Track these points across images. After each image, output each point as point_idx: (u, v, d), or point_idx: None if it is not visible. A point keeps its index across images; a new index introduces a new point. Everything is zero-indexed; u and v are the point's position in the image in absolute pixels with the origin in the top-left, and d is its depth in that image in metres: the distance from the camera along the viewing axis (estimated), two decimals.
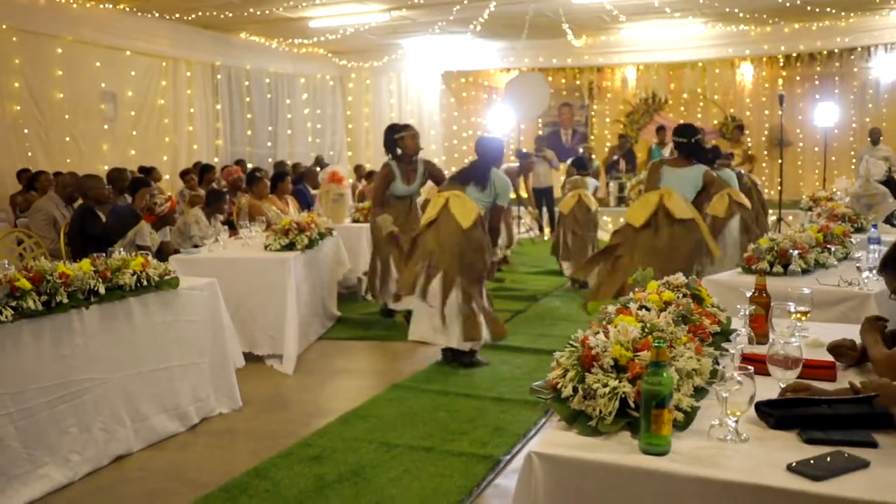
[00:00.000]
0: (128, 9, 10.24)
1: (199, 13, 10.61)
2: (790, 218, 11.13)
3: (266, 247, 6.01)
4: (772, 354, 2.33)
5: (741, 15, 10.91)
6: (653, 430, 1.91)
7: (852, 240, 5.40)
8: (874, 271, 4.32)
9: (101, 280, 3.89)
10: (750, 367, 2.06)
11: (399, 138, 6.81)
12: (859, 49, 13.84)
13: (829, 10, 10.67)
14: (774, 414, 2.11)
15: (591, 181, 9.17)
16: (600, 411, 2.06)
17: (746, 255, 4.71)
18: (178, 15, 10.72)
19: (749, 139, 15.71)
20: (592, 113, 17.19)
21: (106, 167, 8.44)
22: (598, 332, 2.28)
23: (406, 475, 3.86)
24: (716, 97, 15.73)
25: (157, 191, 6.78)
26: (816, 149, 15.54)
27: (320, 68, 14.90)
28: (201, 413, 4.57)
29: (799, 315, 3.05)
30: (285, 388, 5.38)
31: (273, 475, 3.85)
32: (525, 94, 13.23)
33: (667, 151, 14.84)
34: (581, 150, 12.77)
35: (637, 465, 1.89)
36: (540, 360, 5.81)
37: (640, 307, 2.72)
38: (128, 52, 10.57)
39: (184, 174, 10.36)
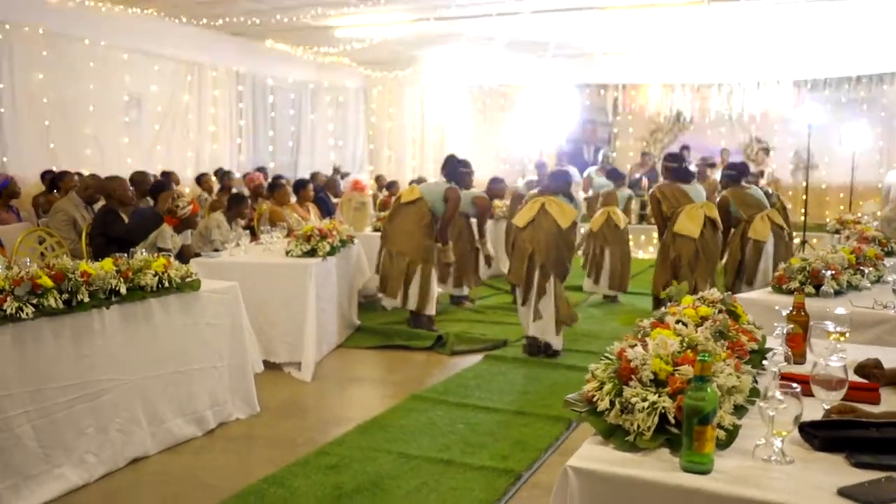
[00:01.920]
0: (156, 13, 10.28)
1: (227, 19, 10.63)
2: (814, 241, 10.97)
3: (287, 252, 5.97)
4: (815, 375, 2.24)
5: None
6: (695, 448, 1.83)
7: (885, 263, 5.31)
8: None
9: (122, 280, 3.85)
10: (796, 385, 1.97)
11: (467, 173, 7.19)
12: (888, 74, 13.70)
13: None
14: (819, 435, 2.02)
15: (624, 192, 9.12)
16: (638, 426, 1.98)
17: (777, 275, 4.62)
18: (205, 20, 10.76)
19: (773, 162, 15.60)
20: (615, 130, 17.13)
21: (129, 171, 8.42)
22: (635, 345, 2.20)
23: (424, 487, 3.78)
24: (743, 118, 15.62)
25: (178, 194, 6.75)
26: (842, 173, 15.40)
27: (344, 77, 14.91)
28: (219, 418, 4.51)
29: (838, 335, 2.95)
30: (303, 396, 5.31)
31: (290, 483, 3.78)
32: (554, 108, 13.15)
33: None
34: (601, 157, 12.71)
35: (678, 483, 1.81)
36: (562, 374, 5.73)
37: (677, 321, 2.64)
38: (154, 57, 10.61)
39: (199, 178, 10.32)
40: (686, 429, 1.85)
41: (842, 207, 14.33)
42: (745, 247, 6.87)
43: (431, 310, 6.99)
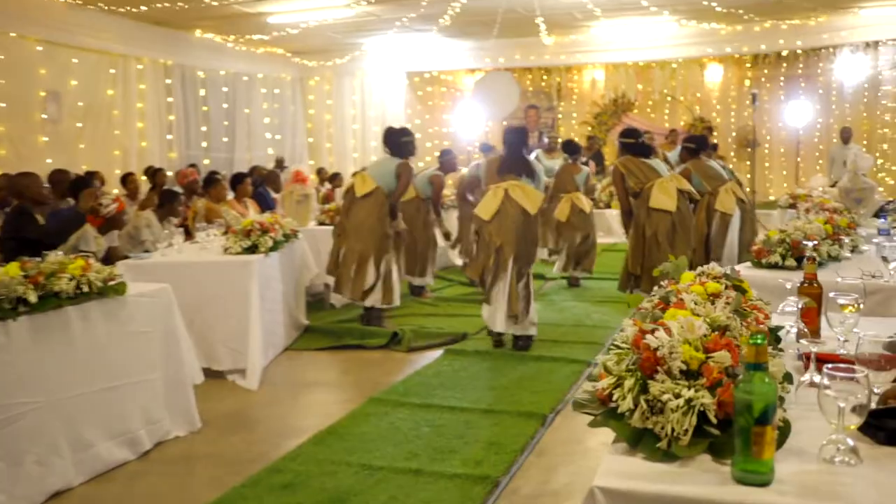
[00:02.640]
0: (72, 1, 9.59)
1: (150, 5, 9.98)
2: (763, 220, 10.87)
3: (226, 250, 5.46)
4: (859, 354, 1.89)
5: (718, 9, 10.61)
6: (753, 453, 1.45)
7: (859, 232, 5.10)
8: None
9: (31, 287, 3.33)
10: (862, 369, 1.61)
11: (409, 141, 6.70)
12: (825, 50, 13.72)
13: (806, 2, 10.41)
14: (888, 427, 1.66)
15: (584, 170, 8.65)
16: (672, 429, 1.59)
17: (756, 249, 4.32)
18: (127, 8, 10.09)
19: (716, 140, 15.54)
20: (559, 114, 16.88)
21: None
22: (653, 330, 1.81)
23: (393, 502, 3.36)
24: (681, 98, 15.53)
25: (101, 192, 6.18)
26: (783, 149, 15.43)
27: (279, 69, 14.33)
28: (154, 437, 4.01)
29: (853, 307, 2.63)
30: (250, 406, 4.83)
31: None
32: (495, 92, 12.83)
33: None
34: (547, 140, 12.31)
35: (738, 499, 1.43)
36: (529, 367, 5.36)
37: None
38: (73, 49, 9.90)
39: (124, 178, 9.51)
40: (739, 430, 1.47)
41: (785, 185, 14.36)
42: (711, 220, 6.63)
43: (396, 300, 6.60)
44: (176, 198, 7.00)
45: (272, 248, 5.54)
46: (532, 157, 5.88)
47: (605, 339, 6.09)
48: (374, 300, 6.48)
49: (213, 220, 7.22)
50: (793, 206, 8.91)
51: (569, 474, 3.68)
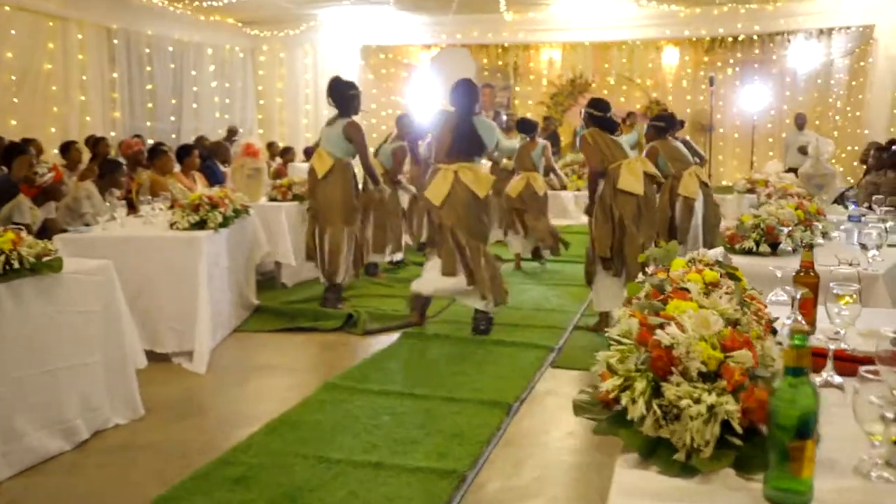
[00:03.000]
0: None
1: None
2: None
3: (172, 225, 5.13)
4: (879, 351, 1.74)
5: None
6: (790, 470, 1.27)
7: (828, 218, 5.01)
8: (880, 249, 3.89)
9: None
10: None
11: (355, 95, 6.36)
12: (780, 36, 13.77)
13: None
14: None
15: (539, 143, 8.41)
16: (692, 439, 1.40)
17: (729, 234, 4.19)
18: None
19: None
20: (515, 94, 16.70)
21: None
22: (664, 324, 1.62)
23: (353, 499, 3.14)
24: (638, 80, 15.49)
25: (37, 159, 5.78)
26: (737, 135, 15.52)
27: (229, 38, 13.80)
28: (93, 426, 3.72)
29: (850, 299, 2.49)
30: (197, 391, 4.55)
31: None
32: (451, 68, 12.57)
33: None
34: (505, 117, 12.05)
35: None
36: (489, 352, 5.18)
37: (681, 290, 2.09)
38: (6, 8, 9.32)
39: (65, 147, 8.95)
40: (775, 444, 1.29)
41: (738, 170, 14.44)
42: (674, 204, 6.52)
43: (341, 277, 6.36)
44: (118, 168, 6.62)
45: (222, 225, 5.23)
46: (483, 119, 5.56)
47: (565, 324, 5.95)
48: (340, 275, 6.30)
49: (159, 193, 6.87)
50: (751, 191, 8.87)
51: (537, 467, 3.51)
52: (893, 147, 9.48)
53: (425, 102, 13.33)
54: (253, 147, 7.35)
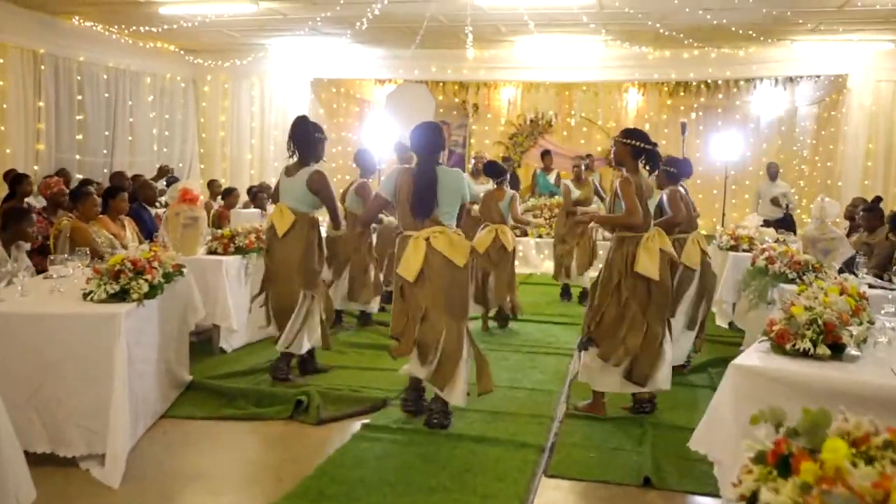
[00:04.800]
0: None
1: None
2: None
3: (86, 295, 4.20)
4: None
5: (662, 32, 9.97)
6: None
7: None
8: None
9: None
10: None
11: (321, 139, 5.63)
12: (744, 82, 13.42)
13: (750, 32, 9.90)
14: None
15: (508, 193, 7.56)
16: None
17: (778, 329, 3.43)
18: None
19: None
20: (472, 133, 16.05)
21: None
22: None
23: None
24: (599, 122, 14.99)
25: None
26: (699, 181, 15.09)
27: (170, 67, 12.85)
28: None
29: None
30: None
31: None
32: (409, 106, 11.84)
33: (552, 177, 13.84)
34: (474, 160, 11.29)
35: None
36: (468, 451, 4.33)
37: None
38: None
39: None
40: None
41: (714, 219, 13.96)
42: (674, 272, 5.80)
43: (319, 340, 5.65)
44: (25, 217, 5.63)
45: (148, 295, 4.31)
46: (448, 169, 4.79)
47: (552, 410, 5.15)
48: (295, 345, 5.53)
49: (80, 244, 5.96)
50: (734, 247, 8.28)
51: None
52: (881, 205, 9.06)
53: (379, 140, 12.55)
54: (191, 192, 6.42)
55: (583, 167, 9.12)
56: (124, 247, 6.82)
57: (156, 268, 4.50)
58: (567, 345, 6.99)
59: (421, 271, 4.56)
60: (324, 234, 5.89)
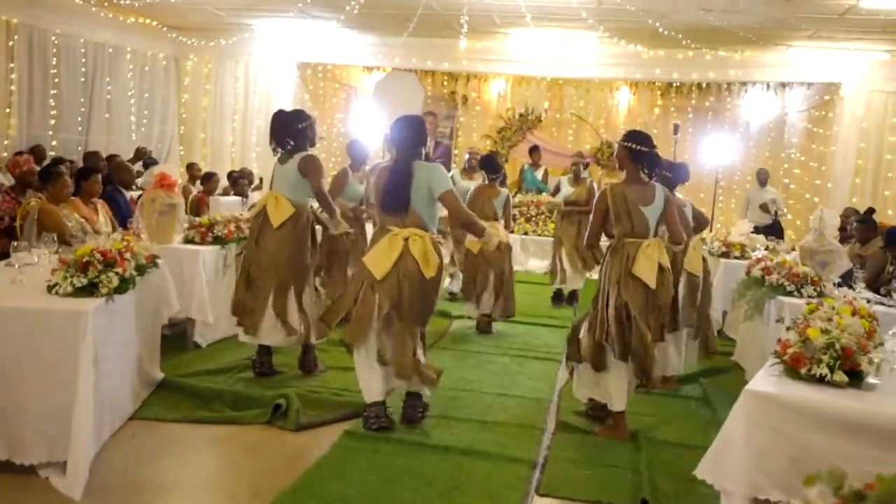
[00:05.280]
0: None
1: None
2: None
3: (51, 289, 3.90)
4: None
5: (662, 31, 9.75)
6: None
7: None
8: None
9: None
10: None
11: (308, 126, 5.37)
12: (735, 85, 13.23)
13: (749, 35, 9.70)
14: None
15: (503, 193, 7.32)
16: None
17: (793, 353, 3.22)
18: None
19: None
20: (459, 125, 15.76)
21: None
22: None
23: None
24: (590, 120, 14.76)
25: None
26: (687, 184, 14.89)
27: (151, 43, 12.43)
28: None
29: None
30: None
31: None
32: (397, 95, 11.56)
33: (540, 174, 13.62)
34: (468, 155, 10.95)
35: None
36: (454, 465, 4.08)
37: None
38: None
39: None
40: None
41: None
42: (678, 280, 5.57)
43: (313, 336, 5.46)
44: None
45: (118, 290, 4.01)
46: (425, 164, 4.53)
47: (541, 421, 4.92)
48: (281, 339, 5.37)
49: (48, 229, 5.65)
50: (725, 254, 8.12)
51: None
52: (873, 216, 8.93)
53: (366, 128, 12.25)
54: (168, 178, 6.11)
55: (581, 166, 8.86)
56: (97, 232, 6.50)
57: (128, 260, 4.21)
58: (556, 349, 6.78)
59: (389, 273, 4.33)
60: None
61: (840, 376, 3.08)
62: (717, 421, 5.11)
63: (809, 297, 5.56)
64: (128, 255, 4.25)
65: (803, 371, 3.13)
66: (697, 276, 5.75)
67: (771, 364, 3.33)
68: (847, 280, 6.00)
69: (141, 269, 4.43)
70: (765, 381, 3.15)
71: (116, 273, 4.00)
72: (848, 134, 11.55)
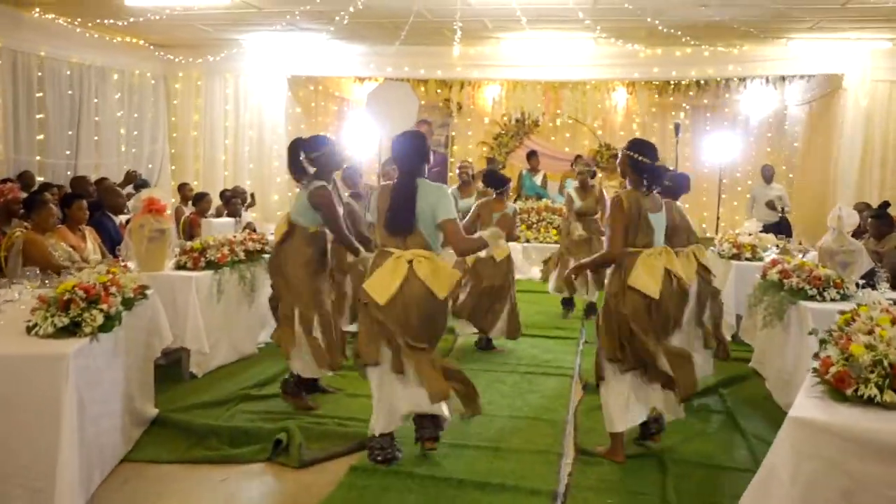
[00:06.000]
0: None
1: None
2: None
3: (30, 329, 3.64)
4: None
5: (662, 29, 9.50)
6: None
7: None
8: None
9: None
10: None
11: (320, 156, 5.14)
12: (733, 81, 12.97)
13: (751, 29, 9.44)
14: None
15: (510, 208, 7.00)
16: None
17: (836, 372, 2.95)
18: None
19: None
20: (454, 133, 15.52)
21: None
22: None
23: None
24: (588, 121, 14.51)
25: None
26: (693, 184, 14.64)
27: (139, 63, 12.17)
28: None
29: None
30: None
31: None
32: (391, 105, 11.28)
33: (539, 179, 13.38)
34: (458, 171, 10.66)
35: None
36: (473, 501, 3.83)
37: None
38: None
39: None
40: None
41: (704, 225, 13.57)
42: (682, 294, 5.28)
43: (313, 371, 5.16)
44: None
45: (104, 328, 3.75)
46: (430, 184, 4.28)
47: (560, 446, 4.65)
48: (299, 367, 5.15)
49: (34, 261, 5.42)
50: (736, 255, 7.85)
51: None
52: (888, 210, 8.66)
53: (360, 140, 12.00)
54: (157, 202, 5.85)
55: (588, 175, 8.54)
56: (85, 260, 6.27)
57: (113, 294, 3.95)
58: (567, 363, 6.53)
59: (394, 297, 4.05)
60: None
61: (891, 396, 2.82)
62: (742, 436, 4.89)
63: (833, 300, 5.32)
64: (113, 290, 3.99)
65: (849, 392, 2.87)
66: (686, 283, 5.43)
67: (811, 384, 3.06)
68: (869, 280, 5.75)
69: (128, 303, 4.18)
70: (808, 405, 2.88)
71: (101, 310, 3.74)
72: (853, 126, 11.28)
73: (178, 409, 5.06)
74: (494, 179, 7.02)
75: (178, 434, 4.64)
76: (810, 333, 3.88)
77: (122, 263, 5.17)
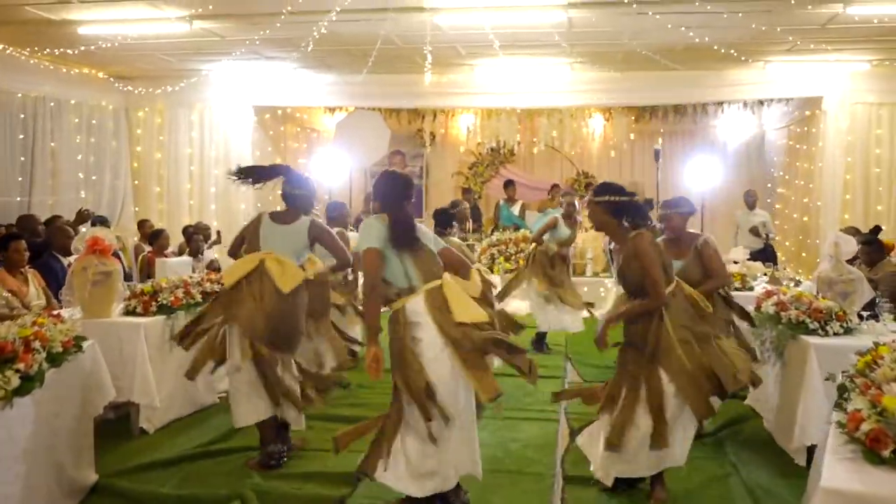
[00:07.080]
0: None
1: None
2: None
3: None
4: None
5: (639, 50, 9.21)
6: None
7: None
8: None
9: None
10: None
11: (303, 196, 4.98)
12: (713, 105, 12.75)
13: (731, 51, 9.16)
14: None
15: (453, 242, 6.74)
16: None
17: (870, 431, 2.53)
18: None
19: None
20: (428, 163, 15.15)
21: None
22: None
23: None
24: (564, 149, 14.19)
25: None
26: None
27: (98, 95, 11.67)
28: None
29: None
30: None
31: None
32: (361, 135, 10.91)
33: (516, 209, 13.00)
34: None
35: None
36: None
37: None
38: None
39: None
40: None
41: None
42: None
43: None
44: None
45: (19, 391, 3.25)
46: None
47: None
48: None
49: None
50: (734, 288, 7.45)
51: None
52: (878, 236, 8.34)
53: (329, 171, 11.55)
54: (101, 241, 5.35)
55: (574, 207, 8.15)
56: (25, 307, 5.76)
57: (36, 350, 3.45)
58: (550, 406, 6.05)
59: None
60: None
61: None
62: (745, 489, 4.46)
63: (836, 334, 4.94)
64: (36, 345, 3.49)
65: (886, 454, 2.45)
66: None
67: (839, 443, 2.64)
68: (871, 310, 5.37)
69: (56, 359, 3.67)
70: (840, 471, 2.45)
71: (16, 371, 3.24)
72: (833, 149, 11.05)
73: (124, 471, 4.54)
74: (445, 218, 6.90)
75: (122, 501, 4.12)
76: (827, 379, 3.46)
77: (56, 311, 4.65)
